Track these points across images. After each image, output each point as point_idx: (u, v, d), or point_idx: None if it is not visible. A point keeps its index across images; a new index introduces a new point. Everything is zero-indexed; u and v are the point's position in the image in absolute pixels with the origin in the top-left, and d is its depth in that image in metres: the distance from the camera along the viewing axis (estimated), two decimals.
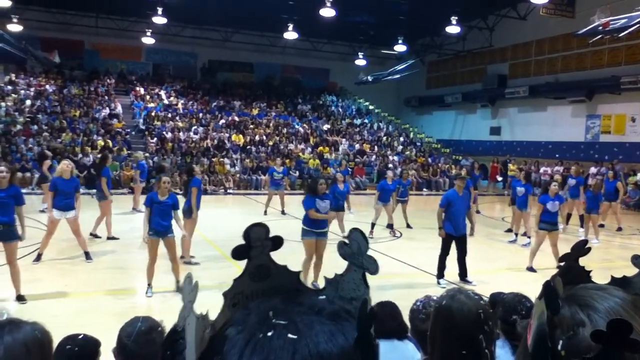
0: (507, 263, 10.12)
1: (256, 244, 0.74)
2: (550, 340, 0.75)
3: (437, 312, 1.74)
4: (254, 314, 0.63)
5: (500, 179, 24.30)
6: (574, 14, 22.59)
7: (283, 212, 14.85)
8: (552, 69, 25.54)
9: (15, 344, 1.18)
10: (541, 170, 22.66)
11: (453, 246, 8.27)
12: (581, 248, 0.94)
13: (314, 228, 7.53)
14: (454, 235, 8.13)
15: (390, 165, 25.17)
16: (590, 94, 23.04)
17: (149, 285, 7.26)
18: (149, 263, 7.27)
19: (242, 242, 0.77)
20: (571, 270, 0.91)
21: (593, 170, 20.68)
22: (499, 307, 2.93)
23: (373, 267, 0.72)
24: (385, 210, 12.40)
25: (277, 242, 0.75)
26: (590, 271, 0.92)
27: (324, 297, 0.69)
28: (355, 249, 0.72)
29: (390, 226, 12.62)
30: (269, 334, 0.58)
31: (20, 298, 6.76)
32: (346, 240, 0.74)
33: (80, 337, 2.40)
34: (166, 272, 7.47)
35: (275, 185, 15.46)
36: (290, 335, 0.58)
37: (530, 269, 9.20)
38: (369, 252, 0.73)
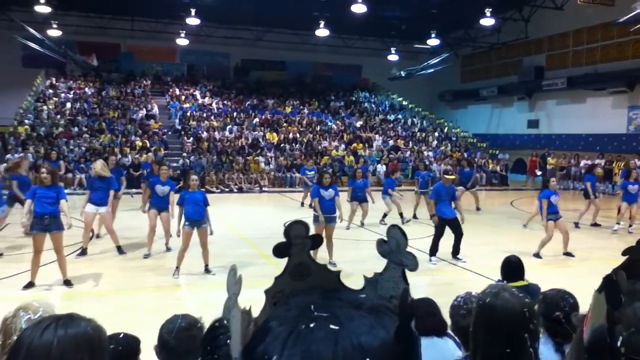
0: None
1: (296, 241, 0.74)
2: (609, 335, 0.72)
3: (480, 309, 1.70)
4: (294, 309, 0.63)
5: (539, 173, 23.74)
6: (614, 2, 21.87)
7: None
8: (590, 59, 24.82)
9: (66, 337, 1.23)
10: (581, 164, 22.03)
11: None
12: None
13: (323, 214, 8.52)
14: (445, 218, 8.99)
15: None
16: (631, 84, 22.35)
17: (177, 268, 7.94)
18: (180, 249, 7.94)
19: (280, 240, 0.76)
20: (636, 264, 0.87)
21: (638, 162, 20.01)
22: (541, 303, 2.86)
23: (412, 263, 0.70)
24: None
25: (317, 240, 0.75)
26: None
27: (363, 295, 0.68)
28: (394, 246, 0.71)
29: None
30: (311, 325, 0.59)
31: (67, 282, 7.31)
32: (385, 238, 0.72)
33: (120, 336, 2.47)
34: (198, 258, 8.17)
35: (306, 184, 15.64)
36: (332, 327, 0.58)
37: (537, 256, 9.54)
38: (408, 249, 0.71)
